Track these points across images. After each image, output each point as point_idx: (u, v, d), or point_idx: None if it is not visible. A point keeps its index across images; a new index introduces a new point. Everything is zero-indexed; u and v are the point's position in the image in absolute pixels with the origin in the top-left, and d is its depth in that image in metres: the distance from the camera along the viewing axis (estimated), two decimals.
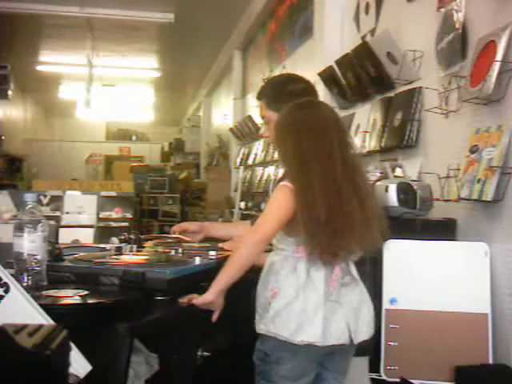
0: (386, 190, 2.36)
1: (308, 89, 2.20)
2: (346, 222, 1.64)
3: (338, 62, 3.66)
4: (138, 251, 2.09)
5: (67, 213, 4.25)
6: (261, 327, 1.70)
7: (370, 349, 2.10)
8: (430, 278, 2.23)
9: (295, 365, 1.68)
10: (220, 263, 1.83)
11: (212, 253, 2.10)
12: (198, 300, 1.68)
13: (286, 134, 1.75)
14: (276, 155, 2.25)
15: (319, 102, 1.94)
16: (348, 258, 1.72)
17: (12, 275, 1.36)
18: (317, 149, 1.68)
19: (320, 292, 1.65)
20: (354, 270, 1.75)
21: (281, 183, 1.71)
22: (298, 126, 1.73)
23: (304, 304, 1.64)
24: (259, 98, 2.21)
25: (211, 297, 1.65)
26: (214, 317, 1.72)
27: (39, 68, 10.12)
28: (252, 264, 1.69)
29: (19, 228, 1.66)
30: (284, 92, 2.12)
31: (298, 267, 1.67)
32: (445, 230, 2.41)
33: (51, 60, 9.66)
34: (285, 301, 1.65)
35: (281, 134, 1.78)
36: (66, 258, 1.94)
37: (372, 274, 2.16)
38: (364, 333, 1.73)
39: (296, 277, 1.66)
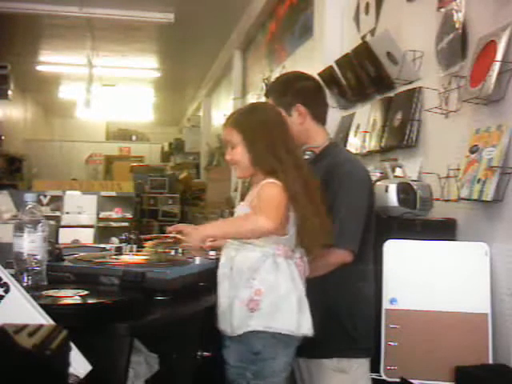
0: (386, 190, 2.36)
1: (316, 86, 2.20)
2: (316, 215, 1.68)
3: (337, 62, 3.66)
4: (137, 251, 2.09)
5: (67, 213, 4.23)
6: (254, 323, 1.63)
7: (372, 349, 2.10)
8: (430, 278, 2.23)
9: (288, 357, 1.70)
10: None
11: (212, 253, 2.09)
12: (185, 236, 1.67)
13: (258, 136, 1.73)
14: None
15: (263, 102, 1.99)
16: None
17: (12, 275, 1.36)
18: (286, 145, 1.72)
19: (302, 284, 1.70)
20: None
21: (266, 181, 1.68)
22: (265, 126, 1.74)
23: (296, 296, 1.66)
24: (267, 95, 2.21)
25: (198, 239, 1.66)
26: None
27: (39, 68, 10.10)
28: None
29: (19, 228, 1.66)
30: (293, 89, 2.12)
31: (279, 262, 1.67)
32: (445, 230, 2.41)
33: (51, 60, 9.64)
34: (277, 295, 1.64)
35: (249, 137, 1.74)
36: (65, 258, 1.94)
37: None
38: None
39: (281, 272, 1.66)
